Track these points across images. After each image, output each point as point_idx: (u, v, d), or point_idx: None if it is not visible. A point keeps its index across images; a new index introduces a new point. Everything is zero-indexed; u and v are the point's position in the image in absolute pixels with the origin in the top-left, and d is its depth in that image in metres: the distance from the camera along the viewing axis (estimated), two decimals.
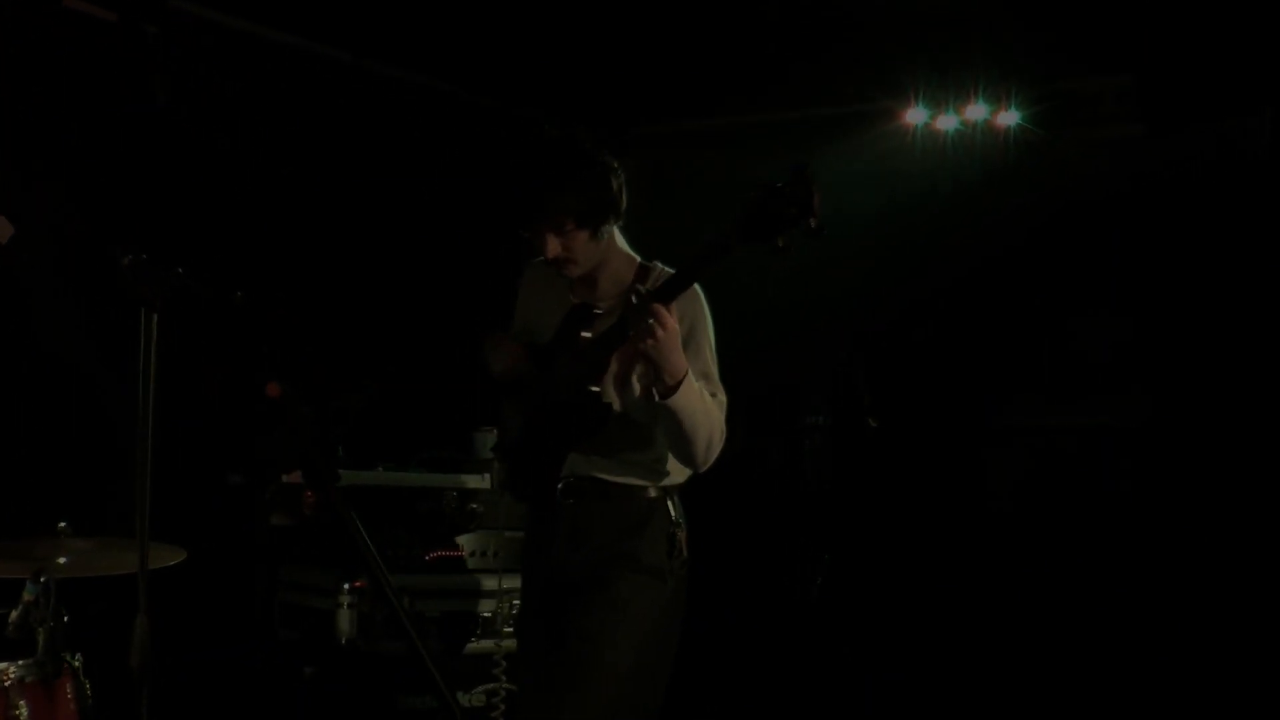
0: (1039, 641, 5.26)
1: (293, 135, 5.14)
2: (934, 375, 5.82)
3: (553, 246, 3.00)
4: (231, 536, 4.45)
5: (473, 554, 4.53)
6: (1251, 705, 4.80)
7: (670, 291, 2.84)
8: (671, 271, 2.97)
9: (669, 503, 3.13)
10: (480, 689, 4.35)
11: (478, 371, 3.22)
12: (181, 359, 3.09)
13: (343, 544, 4.01)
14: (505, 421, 3.25)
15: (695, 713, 5.04)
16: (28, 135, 4.38)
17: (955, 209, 5.60)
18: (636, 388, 2.98)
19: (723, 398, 3.06)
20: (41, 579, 2.94)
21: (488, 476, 4.56)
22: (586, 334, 3.08)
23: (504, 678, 4.22)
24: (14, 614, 2.95)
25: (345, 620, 4.18)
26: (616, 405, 3.02)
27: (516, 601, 4.33)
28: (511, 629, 4.26)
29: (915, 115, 5.59)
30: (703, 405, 2.93)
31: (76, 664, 3.05)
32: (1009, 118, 5.49)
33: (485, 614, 4.46)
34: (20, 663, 2.94)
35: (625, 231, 3.17)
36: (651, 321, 2.76)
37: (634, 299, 2.81)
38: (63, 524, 3.08)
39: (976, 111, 5.53)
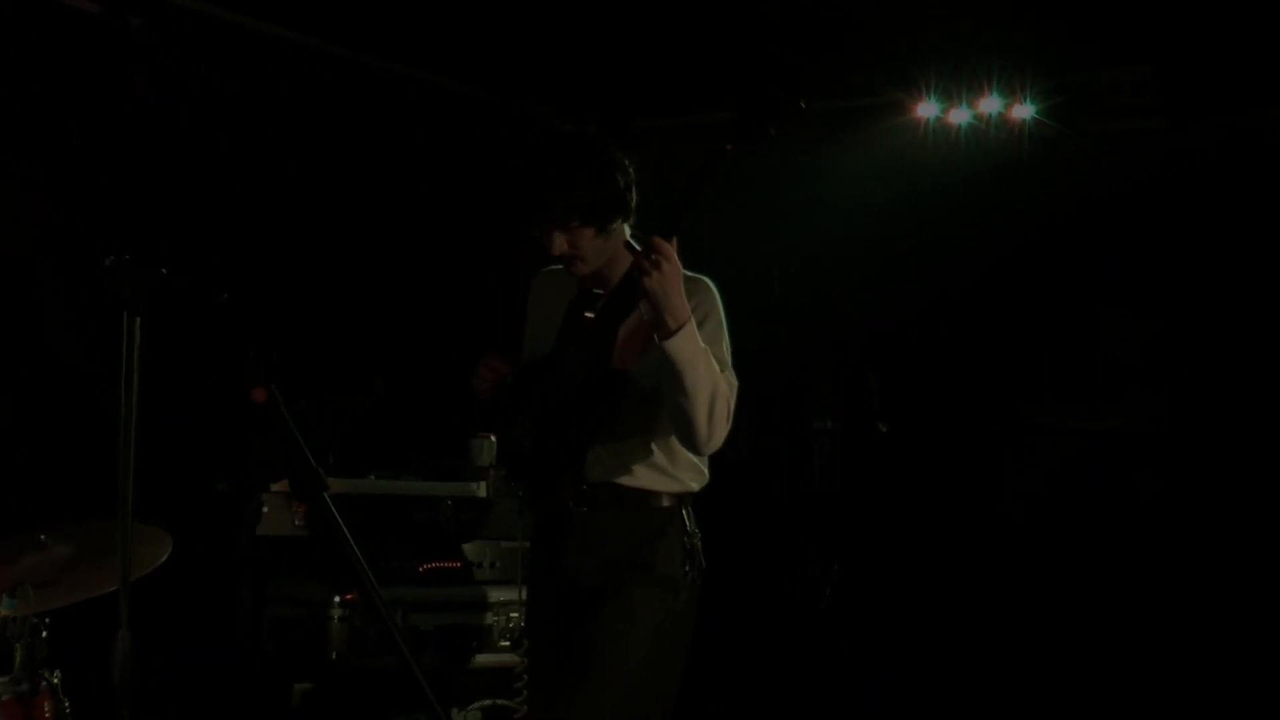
0: (1056, 651, 5.19)
1: (290, 131, 5.10)
2: (946, 377, 5.75)
3: (559, 244, 2.99)
4: (218, 546, 4.36)
5: (469, 565, 4.43)
6: (1272, 711, 4.75)
7: (676, 215, 2.83)
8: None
9: (684, 512, 3.12)
10: (476, 705, 4.27)
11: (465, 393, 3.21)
12: (168, 362, 3.03)
13: (333, 555, 3.92)
14: (512, 434, 3.20)
15: (699, 714, 4.99)
16: (11, 130, 4.31)
17: (968, 206, 5.51)
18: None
19: (735, 381, 3.01)
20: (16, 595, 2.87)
21: (484, 485, 4.46)
22: (589, 314, 3.05)
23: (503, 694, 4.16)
24: None
25: (336, 634, 4.08)
26: (629, 368, 2.98)
27: (514, 615, 4.27)
28: (509, 643, 4.23)
29: (927, 109, 5.47)
30: (706, 362, 2.89)
31: (55, 681, 2.99)
32: (1024, 111, 5.37)
33: (482, 627, 4.36)
34: None
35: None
36: (655, 255, 2.75)
37: (635, 244, 2.81)
38: (43, 535, 2.97)
39: (990, 104, 5.41)
